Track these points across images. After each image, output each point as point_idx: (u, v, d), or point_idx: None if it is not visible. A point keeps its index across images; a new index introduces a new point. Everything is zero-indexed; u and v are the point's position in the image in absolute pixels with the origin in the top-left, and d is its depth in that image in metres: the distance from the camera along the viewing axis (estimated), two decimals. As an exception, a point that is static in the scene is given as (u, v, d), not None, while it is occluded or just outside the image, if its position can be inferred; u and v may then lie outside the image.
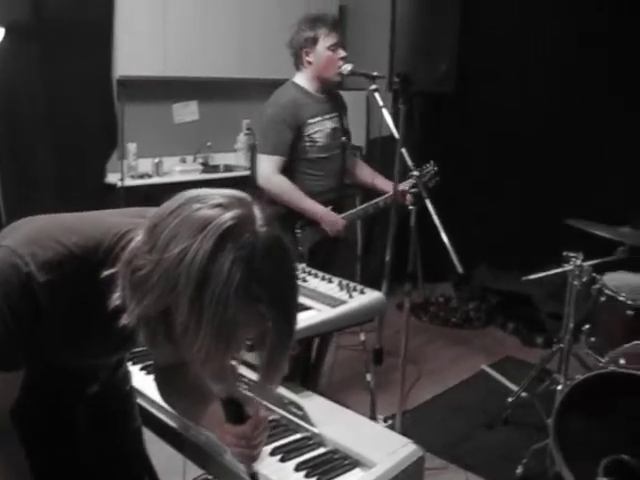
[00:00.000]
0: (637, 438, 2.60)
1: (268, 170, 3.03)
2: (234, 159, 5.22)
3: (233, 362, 1.21)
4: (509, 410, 3.44)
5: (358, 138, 5.18)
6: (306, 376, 2.50)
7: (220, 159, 5.18)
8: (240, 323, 1.08)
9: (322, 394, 3.27)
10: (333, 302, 1.96)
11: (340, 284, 2.10)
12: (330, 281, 2.14)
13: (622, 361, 2.69)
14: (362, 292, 2.04)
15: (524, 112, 4.89)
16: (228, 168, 5.06)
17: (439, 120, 5.23)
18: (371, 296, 2.01)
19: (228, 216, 1.08)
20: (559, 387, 2.90)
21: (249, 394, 1.41)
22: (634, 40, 4.33)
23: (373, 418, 2.51)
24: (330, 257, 3.22)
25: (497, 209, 5.03)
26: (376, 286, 3.04)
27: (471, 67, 4.97)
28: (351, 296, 2.00)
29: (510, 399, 3.44)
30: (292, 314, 1.16)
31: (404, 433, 3.00)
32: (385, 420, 3.15)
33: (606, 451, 2.63)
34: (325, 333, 1.87)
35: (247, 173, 4.79)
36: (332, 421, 1.60)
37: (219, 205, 1.10)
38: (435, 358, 4.21)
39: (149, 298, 1.09)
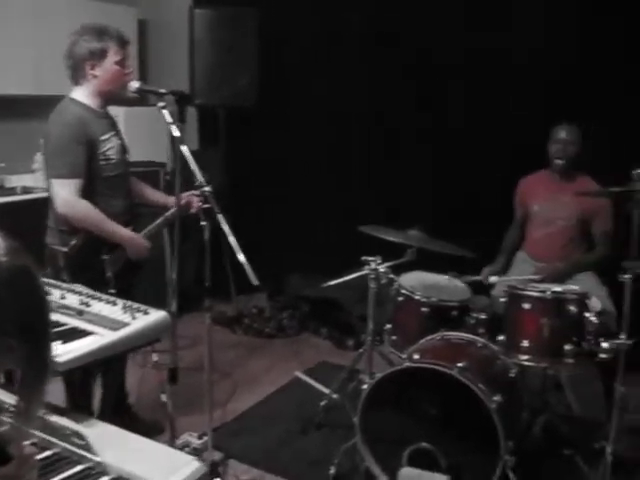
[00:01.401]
0: (434, 426, 2.77)
1: (68, 195, 2.84)
2: (32, 180, 4.95)
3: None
4: (322, 413, 3.52)
5: (163, 154, 5.12)
6: (105, 403, 2.43)
7: (17, 181, 4.90)
8: None
9: (133, 419, 3.23)
10: (115, 325, 1.91)
11: (124, 306, 2.05)
12: (114, 304, 2.09)
13: (416, 356, 2.85)
14: (146, 313, 2.00)
15: (324, 123, 5.06)
16: (26, 190, 4.79)
17: (244, 133, 5.28)
18: (155, 316, 1.98)
19: None
20: (364, 386, 3.01)
21: (15, 428, 1.34)
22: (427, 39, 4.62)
23: (173, 438, 2.47)
24: (135, 279, 3.15)
25: (305, 218, 5.17)
26: (193, 303, 3.04)
27: (274, 79, 5.07)
28: (134, 317, 1.96)
29: (323, 402, 3.54)
30: (44, 345, 1.12)
31: (219, 447, 3.03)
32: (200, 437, 3.12)
33: (409, 441, 2.79)
34: (109, 358, 1.83)
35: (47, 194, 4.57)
36: (116, 448, 1.56)
37: None
38: (251, 369, 4.24)
39: None
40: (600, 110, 4.01)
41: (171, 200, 3.01)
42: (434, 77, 4.65)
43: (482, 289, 3.61)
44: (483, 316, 3.16)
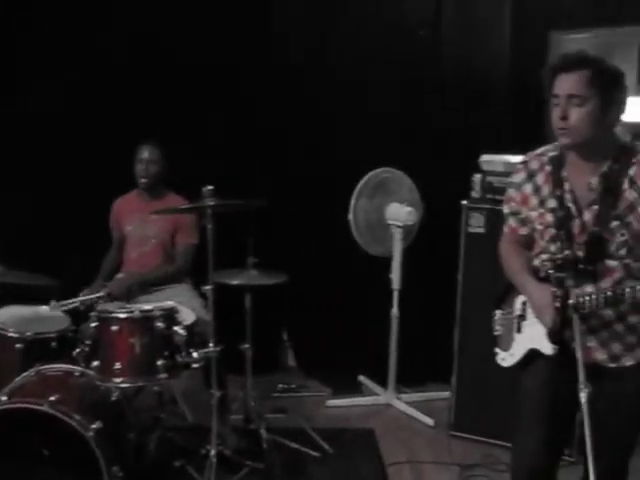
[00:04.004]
0: (41, 466, 2.68)
1: None
2: None
3: None
4: None
5: None
6: None
7: None
8: None
9: None
10: None
11: None
12: None
13: (4, 397, 2.70)
14: None
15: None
16: None
17: None
18: None
19: None
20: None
21: None
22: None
23: None
24: None
25: None
26: None
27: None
28: None
29: None
30: None
31: None
32: None
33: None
34: None
35: None
36: None
37: None
38: None
39: None
40: (183, 129, 4.22)
41: None
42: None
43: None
44: (91, 343, 3.09)
